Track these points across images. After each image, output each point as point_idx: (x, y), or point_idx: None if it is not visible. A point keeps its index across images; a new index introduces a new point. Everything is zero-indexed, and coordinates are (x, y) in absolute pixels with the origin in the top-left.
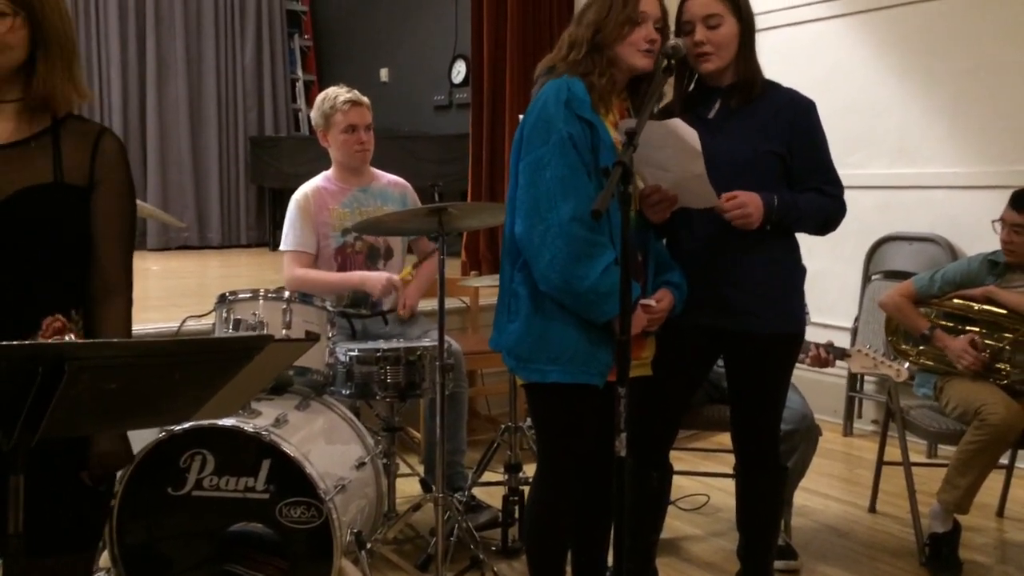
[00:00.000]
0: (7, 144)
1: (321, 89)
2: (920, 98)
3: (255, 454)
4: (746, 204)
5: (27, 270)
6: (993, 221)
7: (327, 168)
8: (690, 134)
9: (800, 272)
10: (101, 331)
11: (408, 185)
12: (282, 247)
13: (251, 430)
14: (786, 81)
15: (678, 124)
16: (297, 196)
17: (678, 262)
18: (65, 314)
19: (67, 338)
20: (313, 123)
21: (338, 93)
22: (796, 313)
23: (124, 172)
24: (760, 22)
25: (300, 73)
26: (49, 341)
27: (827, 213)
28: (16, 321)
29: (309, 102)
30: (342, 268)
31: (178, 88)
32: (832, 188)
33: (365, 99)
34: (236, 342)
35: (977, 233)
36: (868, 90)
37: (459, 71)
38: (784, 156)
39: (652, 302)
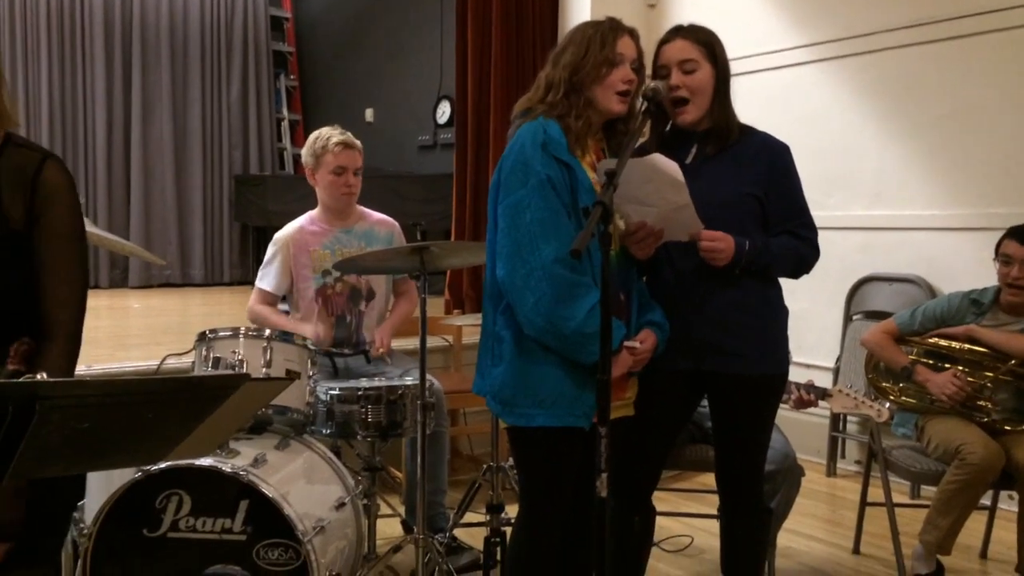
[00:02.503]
0: None
1: (306, 129)
2: (898, 141)
3: (233, 494)
4: (718, 239)
5: None
6: (995, 259)
7: (312, 207)
8: (671, 167)
9: (783, 313)
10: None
11: (396, 224)
12: (256, 280)
13: (229, 470)
14: (764, 124)
15: (658, 159)
16: (277, 237)
17: (660, 302)
18: (34, 337)
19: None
20: (303, 161)
21: (331, 134)
22: (780, 354)
23: (66, 207)
24: (738, 66)
25: (286, 112)
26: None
27: (800, 257)
28: None
29: (294, 141)
30: (324, 309)
31: (163, 125)
32: (806, 231)
33: (358, 143)
34: (211, 381)
35: (955, 273)
36: (846, 133)
37: (444, 111)
38: (761, 199)
39: (636, 344)
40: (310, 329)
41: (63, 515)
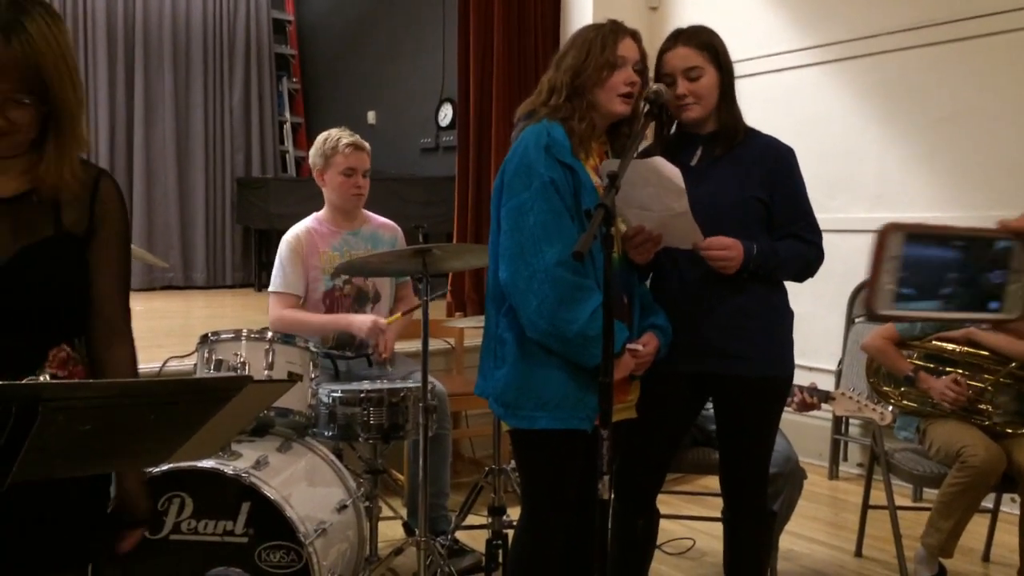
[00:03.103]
0: (10, 198)
1: (309, 131)
2: (899, 144)
3: (235, 497)
4: (728, 247)
5: (33, 304)
6: None
7: (315, 209)
8: (673, 172)
9: (789, 316)
10: (109, 376)
11: (399, 229)
12: (270, 288)
13: (231, 472)
14: (766, 127)
15: (660, 162)
16: (288, 237)
17: (665, 305)
18: (70, 343)
19: (59, 373)
20: (311, 161)
21: (341, 135)
22: (785, 357)
23: (122, 217)
24: (740, 69)
25: (288, 115)
26: (23, 383)
27: (806, 260)
28: (17, 372)
29: (297, 144)
30: (330, 311)
31: (165, 128)
32: (811, 235)
33: (367, 145)
34: (213, 383)
35: None
36: (847, 136)
37: (446, 114)
38: (766, 202)
39: (639, 346)
40: (368, 317)
41: (98, 517)
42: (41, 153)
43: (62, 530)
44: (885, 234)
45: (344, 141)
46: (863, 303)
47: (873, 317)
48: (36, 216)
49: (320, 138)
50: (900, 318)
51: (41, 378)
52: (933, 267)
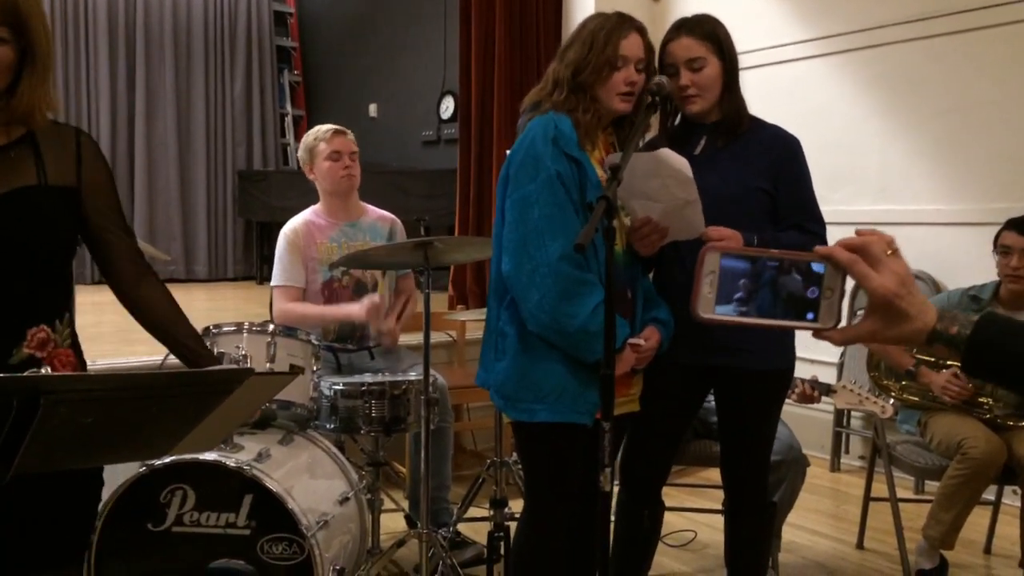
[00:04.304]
0: None
1: (310, 124)
2: (902, 136)
3: (237, 489)
4: (728, 238)
5: (12, 276)
6: (993, 251)
7: (316, 202)
8: (680, 162)
9: None
10: (154, 309)
11: (396, 220)
12: (272, 282)
13: (233, 465)
14: (768, 119)
15: (667, 153)
16: (286, 231)
17: (668, 297)
18: (50, 325)
19: (48, 352)
20: (300, 162)
21: (320, 127)
22: (786, 349)
23: (107, 169)
24: (742, 61)
25: (289, 108)
26: (25, 375)
27: None
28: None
29: (298, 137)
30: (329, 302)
31: (167, 121)
32: (814, 225)
33: (349, 131)
34: (215, 375)
35: (958, 268)
36: (851, 128)
37: (447, 107)
38: (771, 192)
39: (641, 341)
40: (363, 300)
41: (91, 513)
42: (12, 99)
43: (54, 527)
44: (704, 254)
45: (323, 129)
46: (689, 308)
47: (695, 319)
48: (17, 167)
49: (304, 137)
50: (720, 322)
51: (42, 371)
52: (750, 281)
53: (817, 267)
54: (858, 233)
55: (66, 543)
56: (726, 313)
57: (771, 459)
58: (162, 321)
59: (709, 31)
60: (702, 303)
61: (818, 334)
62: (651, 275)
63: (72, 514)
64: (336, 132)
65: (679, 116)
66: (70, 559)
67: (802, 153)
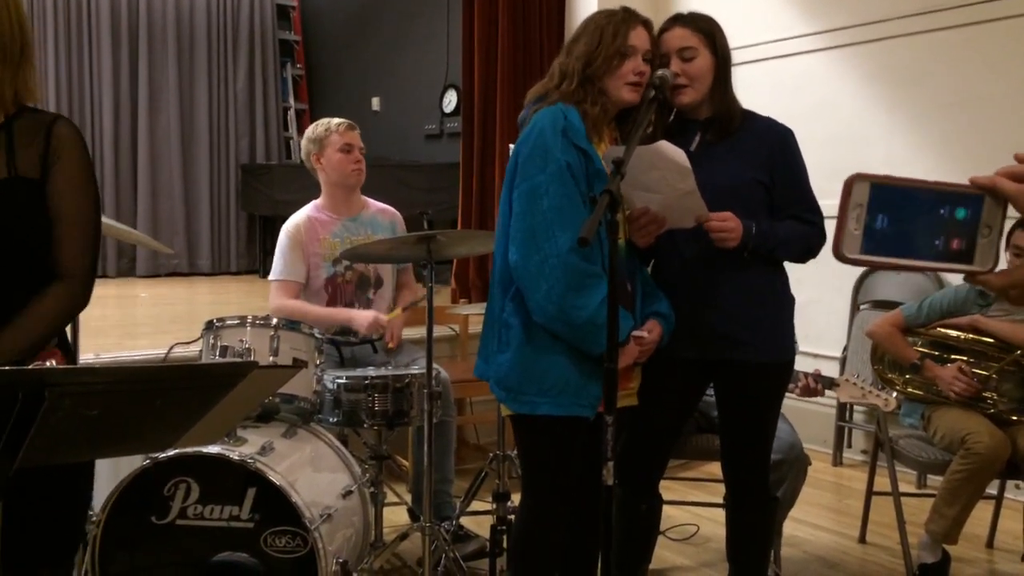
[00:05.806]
0: None
1: (313, 118)
2: (906, 130)
3: (240, 482)
4: (727, 219)
5: None
6: (1005, 250)
7: (318, 197)
8: (677, 153)
9: (789, 301)
10: (21, 313)
11: (397, 214)
12: (271, 277)
13: (236, 458)
14: (773, 113)
15: (664, 145)
16: (288, 226)
17: (666, 290)
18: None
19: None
20: (303, 151)
21: (331, 119)
22: (786, 342)
23: (78, 153)
24: (747, 55)
25: (292, 101)
26: (30, 367)
27: (807, 241)
28: None
29: (301, 130)
30: (332, 298)
31: (170, 115)
32: (811, 215)
33: (357, 126)
34: (219, 368)
35: None
36: (855, 122)
37: (450, 100)
38: (767, 184)
39: (644, 333)
40: (370, 313)
41: (82, 515)
42: None
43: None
44: (851, 183)
45: (335, 121)
46: (832, 247)
47: (840, 260)
48: None
49: (310, 128)
50: (867, 263)
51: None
52: (901, 217)
53: (970, 203)
54: (1018, 159)
55: (57, 541)
56: (873, 252)
57: (772, 458)
58: (12, 319)
59: (703, 26)
60: (848, 241)
61: (972, 277)
62: (650, 267)
63: (62, 513)
64: (349, 126)
65: (674, 113)
66: (62, 558)
67: (796, 144)
